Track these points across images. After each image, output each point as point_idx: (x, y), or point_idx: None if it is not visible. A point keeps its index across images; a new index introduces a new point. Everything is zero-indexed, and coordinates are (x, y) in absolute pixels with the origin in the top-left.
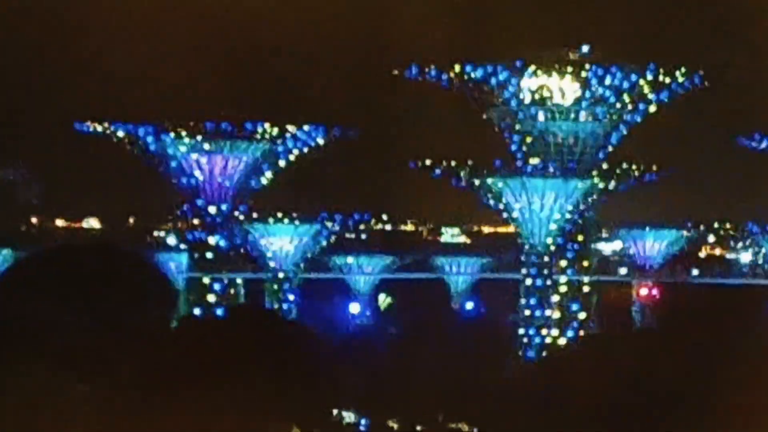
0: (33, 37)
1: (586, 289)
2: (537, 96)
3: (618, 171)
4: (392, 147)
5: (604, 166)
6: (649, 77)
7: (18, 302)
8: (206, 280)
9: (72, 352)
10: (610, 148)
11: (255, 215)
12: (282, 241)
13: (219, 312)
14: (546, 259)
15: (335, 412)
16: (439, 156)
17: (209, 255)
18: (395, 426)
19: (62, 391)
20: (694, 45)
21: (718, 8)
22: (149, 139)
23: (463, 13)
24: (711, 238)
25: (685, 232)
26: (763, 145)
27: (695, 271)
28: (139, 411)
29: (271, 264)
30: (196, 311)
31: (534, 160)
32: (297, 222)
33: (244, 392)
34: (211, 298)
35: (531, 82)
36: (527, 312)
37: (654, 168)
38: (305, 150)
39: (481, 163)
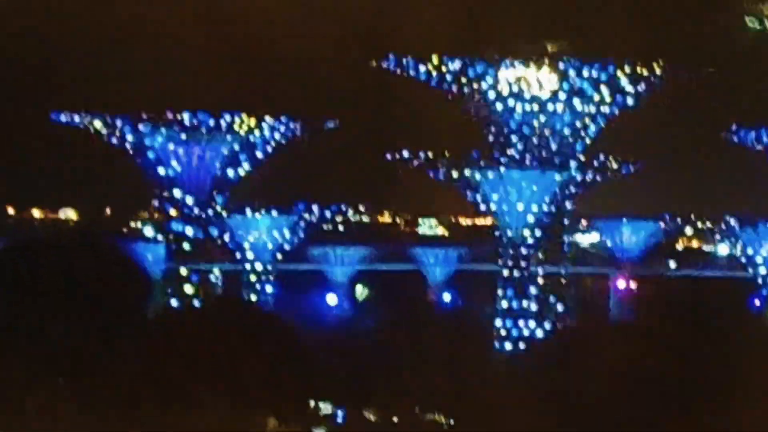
0: (7, 26)
1: (563, 281)
2: (514, 88)
3: (596, 163)
4: (370, 138)
5: (582, 158)
6: (627, 70)
7: None
8: (183, 271)
9: (49, 345)
10: (588, 141)
11: (232, 206)
12: (259, 233)
13: (196, 303)
14: (523, 250)
15: (312, 403)
16: (417, 147)
17: (186, 246)
18: (372, 417)
19: (40, 386)
20: (673, 38)
21: (698, 2)
22: (126, 129)
23: (441, 6)
24: (689, 231)
25: (662, 225)
26: (742, 137)
27: (672, 264)
28: (117, 403)
29: (248, 255)
30: (173, 302)
31: (511, 152)
32: (274, 213)
33: (219, 383)
34: (187, 289)
35: (508, 74)
36: (504, 304)
37: (631, 160)
38: (283, 141)
39: (458, 154)
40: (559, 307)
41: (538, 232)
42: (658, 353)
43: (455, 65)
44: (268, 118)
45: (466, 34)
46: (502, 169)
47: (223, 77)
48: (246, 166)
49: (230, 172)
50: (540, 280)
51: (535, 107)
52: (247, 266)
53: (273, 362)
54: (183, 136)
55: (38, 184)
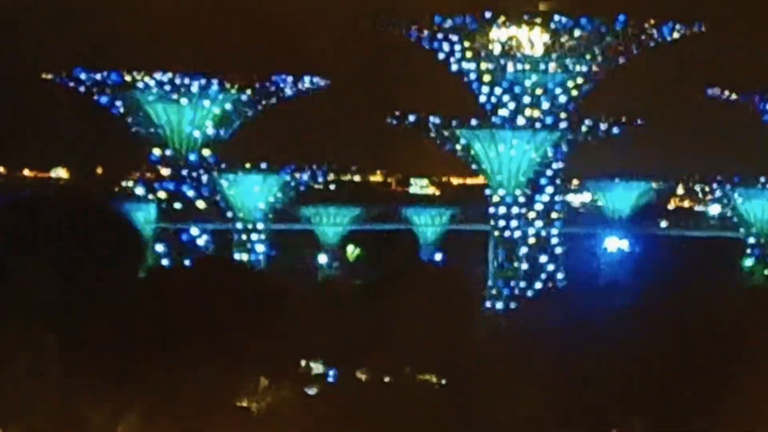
0: None
1: (554, 240)
2: (506, 47)
3: (587, 122)
4: (362, 98)
5: (573, 117)
6: (618, 29)
7: None
8: (174, 230)
9: (41, 302)
10: (580, 100)
11: (224, 166)
12: (250, 192)
13: (187, 263)
14: (514, 210)
15: (303, 363)
16: (409, 107)
17: (177, 205)
18: (363, 377)
19: (30, 342)
20: None
21: None
22: (118, 88)
23: None
24: (680, 191)
25: (653, 184)
26: (733, 97)
27: (663, 223)
28: (108, 360)
29: (240, 215)
30: (164, 262)
31: (503, 112)
32: (265, 173)
33: (211, 343)
34: (179, 248)
35: (500, 34)
36: (495, 264)
37: (623, 120)
38: (274, 100)
39: (450, 114)
40: (550, 267)
41: (529, 192)
42: (649, 313)
43: (447, 25)
44: (260, 76)
45: None
46: (494, 128)
47: (215, 36)
48: (237, 124)
49: (221, 131)
50: (531, 240)
51: (527, 67)
52: (239, 225)
53: (263, 322)
54: (174, 95)
55: (29, 144)
